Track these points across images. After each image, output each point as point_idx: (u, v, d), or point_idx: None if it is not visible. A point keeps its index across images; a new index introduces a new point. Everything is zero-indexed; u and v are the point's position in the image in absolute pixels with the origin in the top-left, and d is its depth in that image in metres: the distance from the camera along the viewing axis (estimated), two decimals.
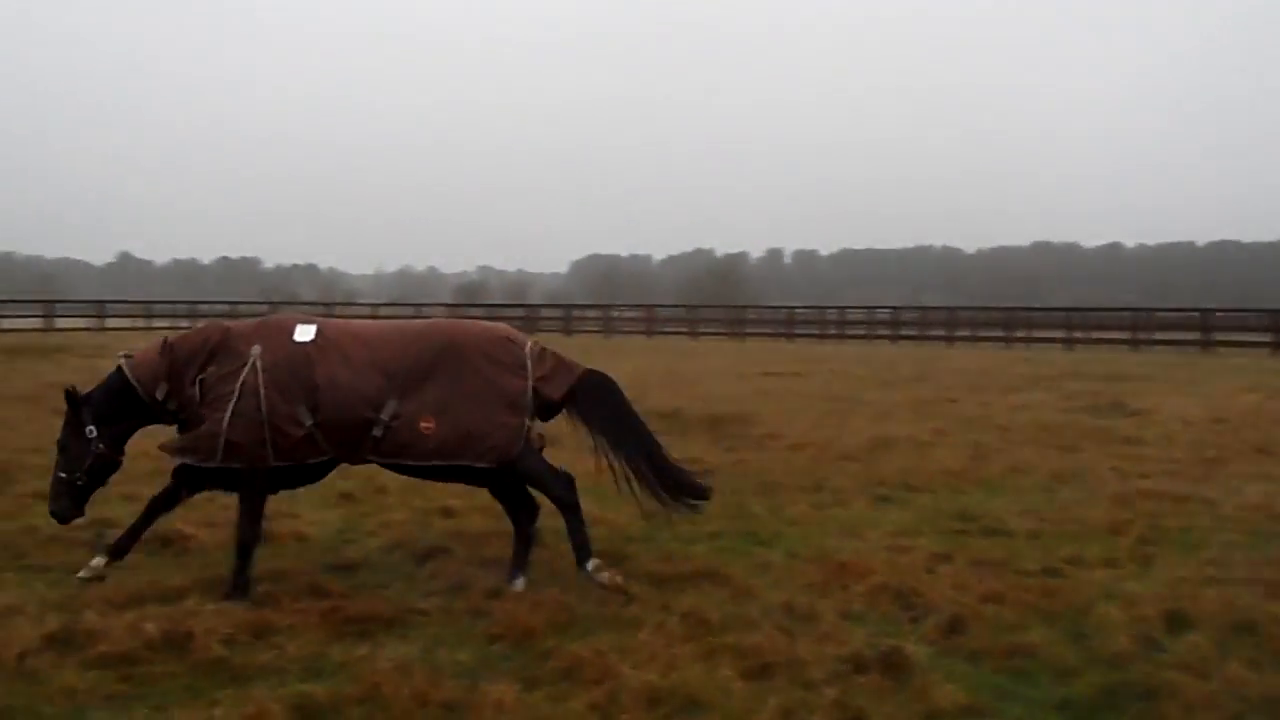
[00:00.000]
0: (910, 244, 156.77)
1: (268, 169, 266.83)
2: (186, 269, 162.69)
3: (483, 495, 7.76)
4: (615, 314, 61.74)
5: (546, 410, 7.06)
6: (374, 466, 7.27)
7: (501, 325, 7.72)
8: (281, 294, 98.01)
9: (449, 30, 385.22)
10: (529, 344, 7.06)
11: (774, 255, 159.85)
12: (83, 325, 46.94)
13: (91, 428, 6.81)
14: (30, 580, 6.90)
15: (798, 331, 52.72)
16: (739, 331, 53.97)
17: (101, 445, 6.81)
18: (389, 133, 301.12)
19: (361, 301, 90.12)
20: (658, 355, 34.85)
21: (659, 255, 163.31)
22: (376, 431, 6.66)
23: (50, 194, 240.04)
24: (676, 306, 69.34)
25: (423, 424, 6.65)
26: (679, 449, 8.31)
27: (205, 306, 56.60)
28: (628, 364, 22.42)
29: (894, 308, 57.68)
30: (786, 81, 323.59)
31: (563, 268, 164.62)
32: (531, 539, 7.21)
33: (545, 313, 65.15)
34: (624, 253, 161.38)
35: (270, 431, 6.55)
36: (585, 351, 14.12)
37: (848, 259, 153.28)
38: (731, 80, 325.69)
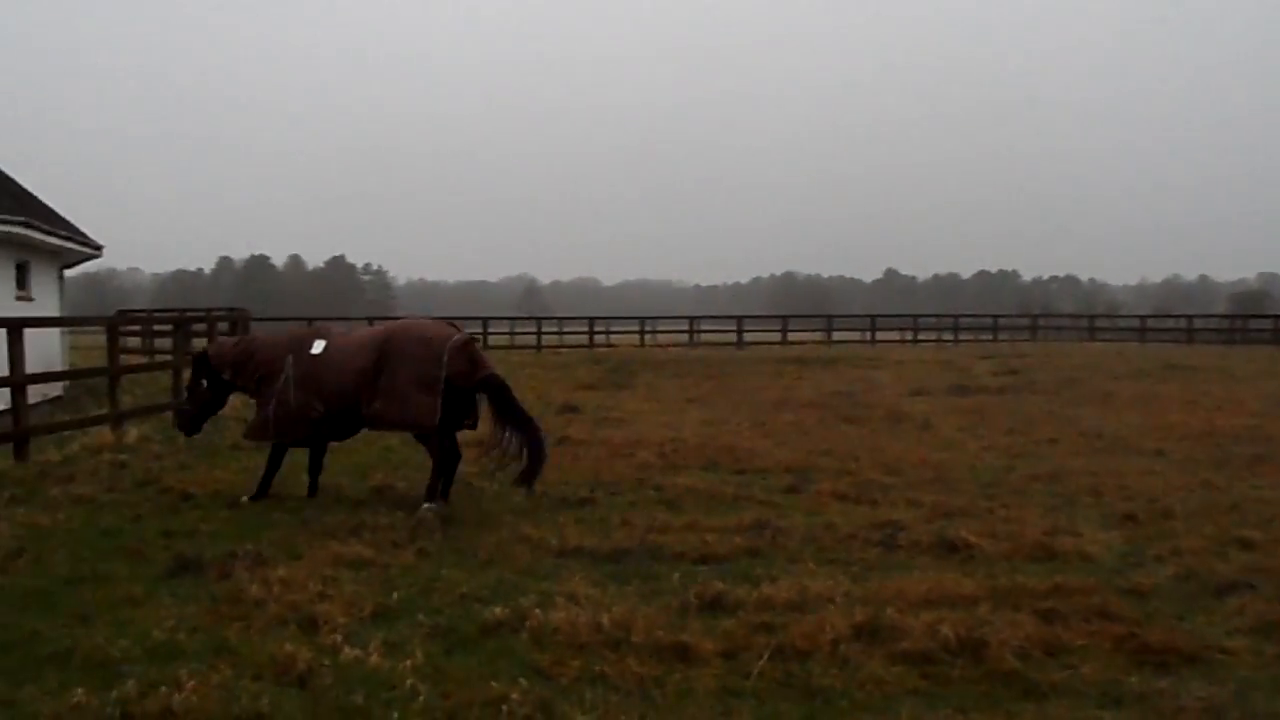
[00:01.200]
0: None
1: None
2: (946, 284, 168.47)
3: None
4: None
5: (465, 394, 9.78)
6: None
7: (435, 325, 10.25)
8: (1039, 306, 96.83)
9: None
10: (451, 343, 9.67)
11: None
12: (856, 338, 50.90)
13: (204, 380, 10.53)
14: (834, 572, 7.51)
15: None
16: None
17: (208, 391, 10.55)
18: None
19: (1123, 314, 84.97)
20: None
21: None
22: (361, 411, 9.78)
23: (829, 217, 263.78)
24: None
25: (377, 404, 9.62)
26: None
27: (967, 319, 57.75)
28: None
29: None
30: None
31: None
32: (450, 479, 10.04)
33: None
34: None
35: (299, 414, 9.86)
36: None
37: None
38: None
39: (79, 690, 5.04)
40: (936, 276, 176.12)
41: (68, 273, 26.38)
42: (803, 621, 6.19)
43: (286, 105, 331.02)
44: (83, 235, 24.25)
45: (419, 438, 10.05)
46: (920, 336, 51.81)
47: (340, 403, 9.85)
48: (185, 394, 11.11)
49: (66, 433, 14.15)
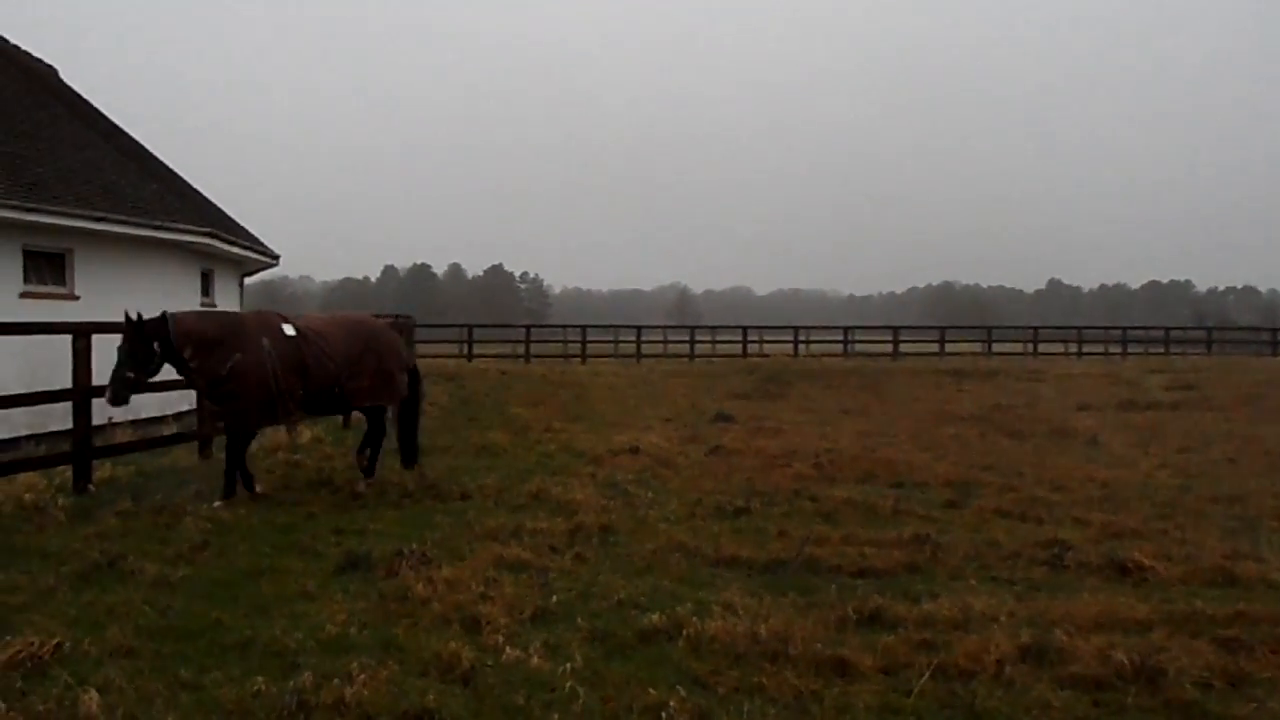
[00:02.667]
0: None
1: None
2: (1113, 294, 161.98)
3: None
4: None
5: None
6: None
7: (385, 322, 12.59)
8: (1215, 318, 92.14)
9: None
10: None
11: None
12: (1017, 351, 49.32)
13: (156, 344, 9.65)
14: (998, 591, 7.29)
15: None
16: None
17: (158, 358, 9.72)
18: None
19: None
20: None
21: None
22: (337, 390, 10.73)
23: (984, 226, 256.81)
24: None
25: (365, 382, 10.92)
26: None
27: (1136, 332, 55.29)
28: None
29: None
30: None
31: None
32: (377, 455, 11.51)
33: None
34: None
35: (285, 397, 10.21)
36: None
37: None
38: None
39: (259, 678, 5.29)
40: (1103, 287, 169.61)
41: (246, 280, 27.75)
42: (966, 640, 6.04)
43: (447, 118, 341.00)
44: (261, 245, 25.46)
45: (375, 412, 11.47)
46: (1085, 349, 49.88)
47: (323, 383, 10.60)
48: (127, 360, 9.64)
49: None
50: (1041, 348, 49.06)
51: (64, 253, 16.64)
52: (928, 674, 5.57)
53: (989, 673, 5.62)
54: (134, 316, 9.69)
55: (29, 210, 15.05)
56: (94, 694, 4.98)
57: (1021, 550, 8.49)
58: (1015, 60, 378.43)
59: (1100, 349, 51.59)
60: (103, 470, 11.41)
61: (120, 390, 9.62)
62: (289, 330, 10.53)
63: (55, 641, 5.71)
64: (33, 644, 5.62)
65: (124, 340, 9.67)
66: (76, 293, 16.67)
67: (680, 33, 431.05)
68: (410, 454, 11.87)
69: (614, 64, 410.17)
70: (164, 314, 9.91)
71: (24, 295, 15.62)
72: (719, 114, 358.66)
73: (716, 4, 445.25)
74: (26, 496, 9.78)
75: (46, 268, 16.44)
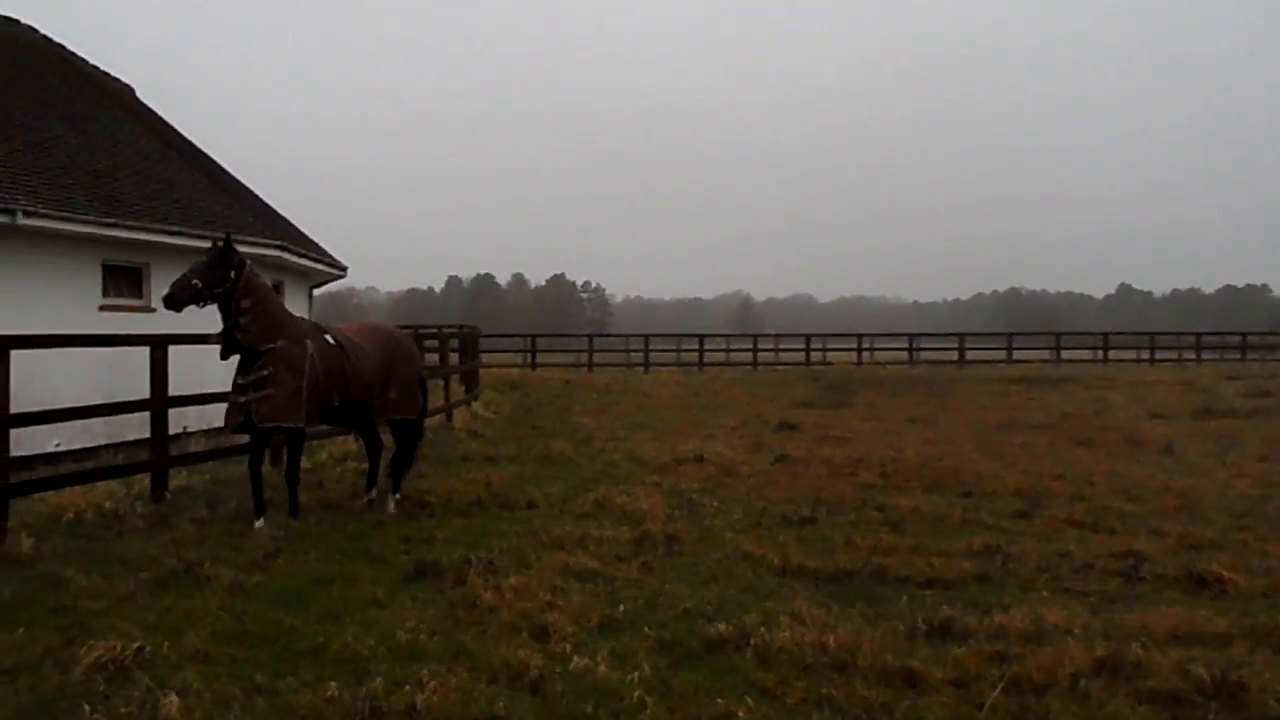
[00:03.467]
0: None
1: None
2: (1186, 299, 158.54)
3: None
4: None
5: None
6: None
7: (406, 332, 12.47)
8: None
9: None
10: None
11: None
12: (1086, 357, 48.43)
13: (232, 273, 9.46)
14: (1071, 603, 7.17)
15: None
16: None
17: (228, 286, 9.45)
18: None
19: None
20: None
21: None
22: (367, 402, 10.40)
23: (1051, 230, 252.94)
24: None
25: (394, 394, 10.66)
26: None
27: (1211, 338, 53.97)
28: None
29: None
30: None
31: None
32: (410, 468, 11.26)
33: None
34: None
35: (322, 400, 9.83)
36: None
37: None
38: None
39: (332, 684, 5.36)
40: (1175, 292, 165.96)
41: (314, 291, 28.18)
42: (1039, 653, 5.95)
43: (510, 130, 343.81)
44: (330, 257, 25.87)
45: (405, 425, 11.05)
46: (1158, 355, 48.85)
47: (358, 396, 10.24)
48: (203, 271, 9.49)
49: (315, 440, 15.11)
50: (1112, 354, 48.00)
51: (141, 266, 17.06)
52: (1000, 687, 5.48)
53: (1063, 686, 5.53)
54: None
55: (108, 225, 15.45)
56: (174, 697, 5.09)
57: (1095, 561, 8.35)
58: (1081, 55, 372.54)
59: (1173, 355, 50.48)
60: (178, 478, 11.66)
61: (181, 293, 9.36)
62: (330, 340, 10.19)
63: (136, 645, 5.84)
64: (115, 648, 5.76)
65: (206, 255, 9.63)
66: (152, 305, 17.06)
67: (732, 35, 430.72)
68: (402, 471, 11.07)
69: (673, 72, 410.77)
70: (245, 258, 9.78)
71: (103, 308, 16.05)
72: (775, 120, 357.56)
73: (768, 6, 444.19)
74: (107, 504, 10.02)
75: (124, 281, 16.88)
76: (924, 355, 47.26)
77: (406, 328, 18.44)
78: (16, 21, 21.83)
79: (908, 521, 10.02)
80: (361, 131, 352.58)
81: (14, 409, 8.83)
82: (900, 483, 12.33)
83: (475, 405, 21.51)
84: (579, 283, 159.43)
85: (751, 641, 6.13)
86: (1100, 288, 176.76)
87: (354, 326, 10.97)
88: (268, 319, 9.62)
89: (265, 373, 9.47)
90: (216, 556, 8.22)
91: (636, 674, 5.60)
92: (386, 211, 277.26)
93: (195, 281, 9.41)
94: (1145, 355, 49.00)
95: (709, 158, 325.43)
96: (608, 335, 59.40)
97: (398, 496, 10.76)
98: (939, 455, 14.76)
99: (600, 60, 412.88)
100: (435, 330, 27.86)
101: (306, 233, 26.37)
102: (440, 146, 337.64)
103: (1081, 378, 34.71)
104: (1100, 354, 48.08)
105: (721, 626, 6.40)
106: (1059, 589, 7.63)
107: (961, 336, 47.88)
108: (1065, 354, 48.58)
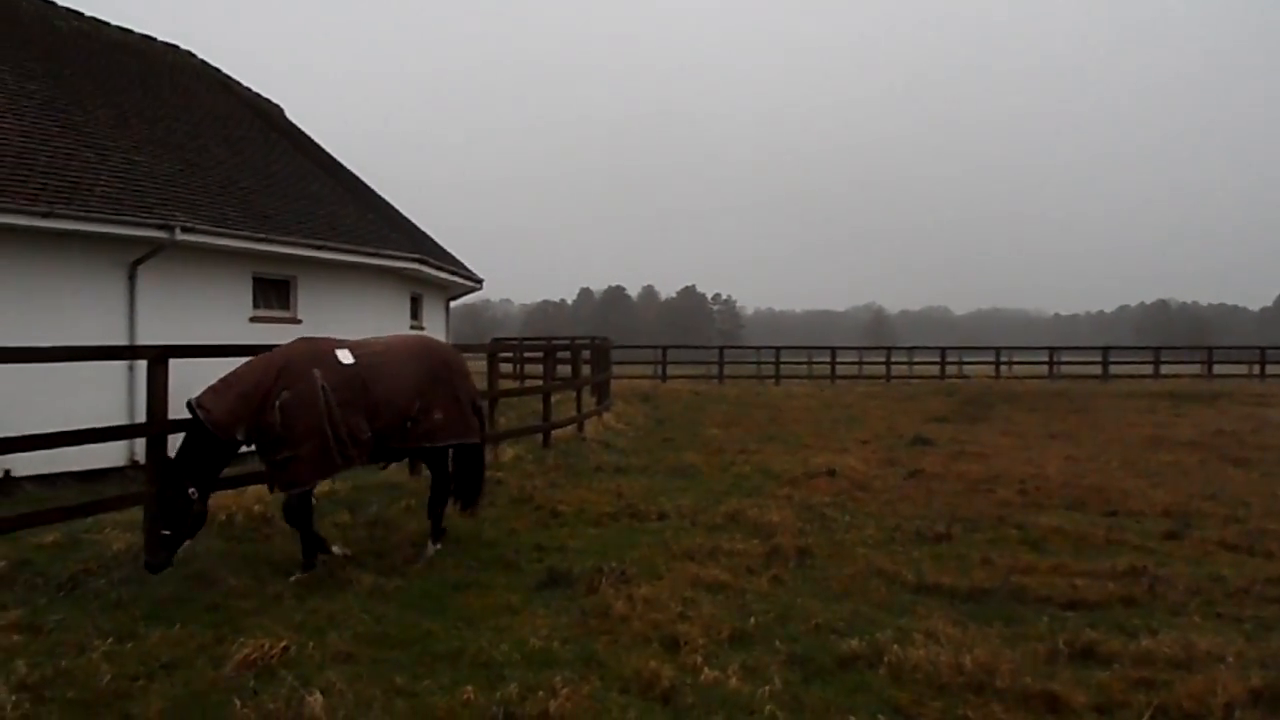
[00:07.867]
0: None
1: None
2: None
3: None
4: None
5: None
6: None
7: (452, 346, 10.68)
8: None
9: None
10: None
11: None
12: (1241, 373, 46.20)
13: (194, 489, 7.65)
14: (1224, 629, 6.86)
15: None
16: None
17: (199, 504, 7.71)
18: None
19: None
20: None
21: None
22: (408, 425, 8.73)
23: (1208, 238, 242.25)
24: None
25: (440, 415, 8.88)
26: None
27: None
28: None
29: None
30: None
31: None
32: (479, 495, 9.63)
33: None
34: None
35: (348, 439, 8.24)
36: None
37: None
38: None
39: (468, 688, 5.49)
40: None
41: (451, 304, 28.91)
42: (1189, 681, 5.70)
43: (640, 143, 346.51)
44: (466, 270, 26.51)
45: (463, 452, 9.34)
46: None
47: (392, 420, 8.59)
48: (159, 508, 7.70)
49: None
50: (1270, 369, 45.71)
51: (289, 279, 17.80)
52: (1147, 715, 5.28)
53: (1215, 716, 5.31)
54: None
55: (259, 240, 16.17)
56: (318, 696, 5.28)
57: (1250, 586, 7.96)
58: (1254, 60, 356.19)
59: None
60: (322, 484, 12.05)
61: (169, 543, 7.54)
62: (345, 357, 8.49)
63: (282, 645, 6.09)
64: (263, 646, 6.02)
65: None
66: (299, 316, 17.76)
67: (854, 40, 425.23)
68: (473, 494, 9.57)
69: (798, 84, 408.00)
70: (187, 403, 7.92)
71: (253, 319, 16.80)
72: (896, 125, 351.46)
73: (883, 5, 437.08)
74: (255, 508, 10.43)
75: (273, 293, 17.63)
76: (1065, 369, 45.83)
77: (539, 339, 18.72)
78: (176, 48, 23.07)
79: (1048, 540, 9.71)
80: (495, 149, 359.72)
81: (171, 415, 9.26)
82: (1040, 500, 11.97)
83: (606, 416, 21.70)
84: (709, 295, 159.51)
85: (885, 659, 6.04)
86: (1257, 299, 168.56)
87: (386, 339, 9.27)
88: (263, 400, 8.04)
89: (277, 432, 8.07)
90: (357, 560, 8.49)
91: (768, 688, 5.58)
92: (522, 227, 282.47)
93: (164, 533, 7.56)
94: None
95: (840, 172, 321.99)
96: (738, 347, 59.22)
97: (438, 546, 9.12)
98: (1081, 472, 14.27)
99: (722, 70, 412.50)
100: (568, 342, 28.19)
101: (444, 246, 27.06)
102: (575, 162, 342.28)
103: (1235, 394, 33.12)
104: (1256, 369, 45.79)
105: (854, 642, 6.33)
106: (1211, 614, 7.30)
107: (1105, 350, 46.18)
108: (1218, 369, 46.47)
